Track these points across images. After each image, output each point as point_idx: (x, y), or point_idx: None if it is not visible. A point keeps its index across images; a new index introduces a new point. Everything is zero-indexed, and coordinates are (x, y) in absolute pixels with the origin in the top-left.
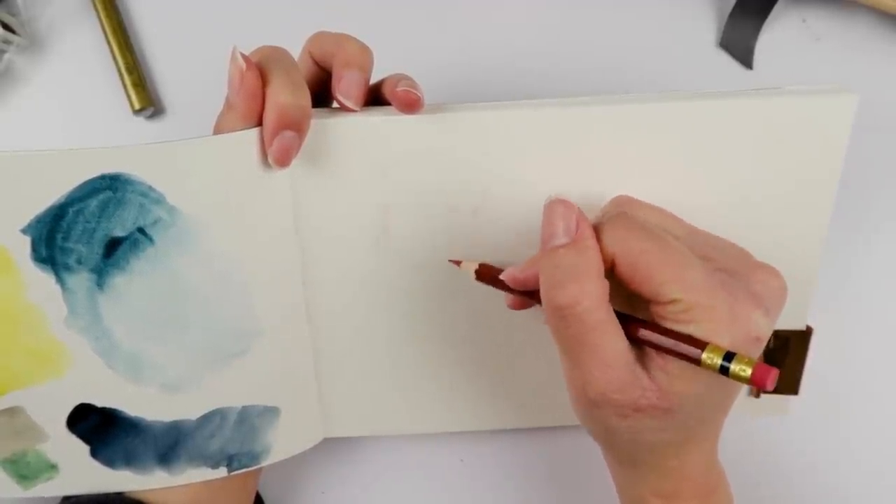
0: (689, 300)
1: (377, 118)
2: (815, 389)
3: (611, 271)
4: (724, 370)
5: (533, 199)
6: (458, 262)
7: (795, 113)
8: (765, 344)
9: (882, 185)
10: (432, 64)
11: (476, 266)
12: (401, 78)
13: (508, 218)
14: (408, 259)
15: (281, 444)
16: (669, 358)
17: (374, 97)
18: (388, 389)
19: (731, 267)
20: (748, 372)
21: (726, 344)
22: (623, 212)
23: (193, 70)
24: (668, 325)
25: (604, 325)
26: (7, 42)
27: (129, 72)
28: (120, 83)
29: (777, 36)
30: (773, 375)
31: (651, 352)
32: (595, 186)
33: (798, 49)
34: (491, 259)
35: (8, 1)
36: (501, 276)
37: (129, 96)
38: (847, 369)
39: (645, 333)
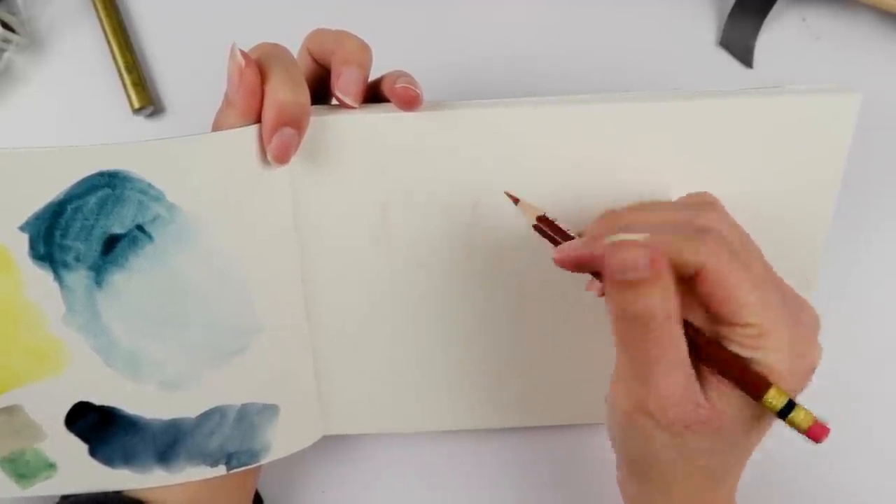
0: (765, 327)
1: (376, 115)
2: (815, 389)
3: (689, 280)
4: (781, 414)
5: (532, 197)
6: (515, 200)
7: (797, 112)
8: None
9: (883, 184)
10: (431, 62)
11: (535, 217)
12: (399, 75)
13: (508, 215)
14: (407, 256)
15: (280, 441)
16: (728, 381)
17: (373, 94)
18: (387, 387)
19: (788, 293)
20: (805, 425)
21: (786, 373)
22: (716, 226)
23: (193, 69)
24: (734, 347)
25: (677, 339)
26: (7, 41)
27: (129, 71)
28: (119, 82)
29: (777, 35)
30: (826, 433)
31: (708, 370)
32: (594, 184)
33: (798, 48)
34: (491, 258)
35: (8, 0)
36: (560, 249)
37: (128, 95)
38: (848, 369)
39: (713, 354)
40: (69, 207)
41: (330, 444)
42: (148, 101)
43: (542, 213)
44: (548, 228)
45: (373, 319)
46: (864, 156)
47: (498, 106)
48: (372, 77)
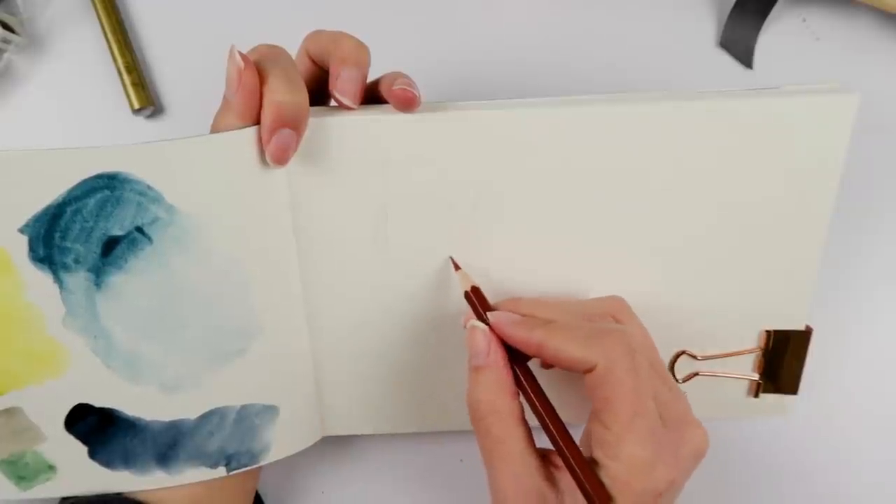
0: (625, 439)
1: (374, 116)
2: (814, 389)
3: (583, 372)
4: None
5: (531, 199)
6: (457, 266)
7: (796, 113)
8: (670, 499)
9: (882, 185)
10: (430, 62)
11: (470, 286)
12: (397, 76)
13: (506, 217)
14: (405, 257)
15: (280, 442)
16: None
17: (372, 95)
18: (387, 388)
19: (673, 416)
20: None
21: (627, 491)
22: (622, 329)
23: (193, 70)
24: (596, 447)
25: (511, 440)
26: (6, 41)
27: (129, 71)
28: (119, 83)
29: (777, 36)
30: None
31: (564, 476)
32: (593, 186)
33: (798, 49)
34: (491, 257)
35: (8, 0)
36: (489, 316)
37: (128, 96)
38: (846, 369)
39: (566, 452)
40: (68, 209)
41: (329, 445)
42: (148, 101)
43: (476, 286)
44: (478, 302)
45: (372, 320)
46: (864, 156)
47: (496, 107)
48: (370, 78)
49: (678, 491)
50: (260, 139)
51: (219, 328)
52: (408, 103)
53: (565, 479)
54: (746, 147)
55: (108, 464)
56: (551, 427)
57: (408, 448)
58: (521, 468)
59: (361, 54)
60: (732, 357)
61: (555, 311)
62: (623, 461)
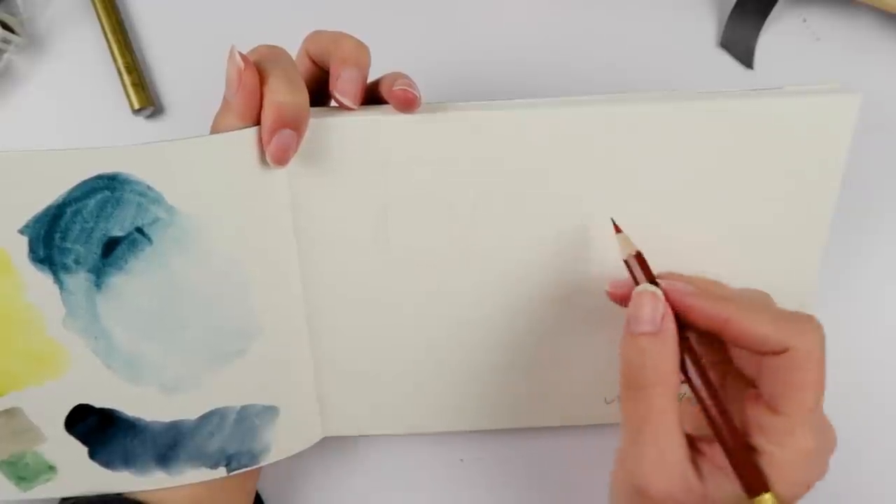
0: (798, 429)
1: (375, 117)
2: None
3: (770, 353)
4: None
5: (531, 199)
6: (618, 228)
7: (797, 113)
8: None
9: (883, 184)
10: (430, 63)
11: (635, 252)
12: (398, 77)
13: (507, 217)
14: (406, 257)
15: (280, 443)
16: (721, 475)
17: (372, 96)
18: (387, 388)
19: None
20: None
21: (788, 479)
22: (815, 317)
23: (193, 70)
24: (759, 434)
25: (670, 414)
26: (6, 42)
27: (129, 71)
28: (119, 83)
29: (777, 36)
30: None
31: (709, 453)
32: (594, 186)
33: (798, 49)
34: (490, 260)
35: (7, 0)
36: (663, 283)
37: (128, 96)
38: (847, 369)
39: (727, 435)
40: (69, 210)
41: (329, 446)
42: (148, 101)
43: (639, 252)
44: (640, 266)
45: (372, 321)
46: (864, 156)
47: (495, 108)
48: (370, 78)
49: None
50: (260, 140)
51: (219, 329)
52: (408, 104)
53: (708, 466)
54: (747, 147)
55: (108, 464)
56: (713, 408)
57: (408, 448)
58: (672, 444)
59: (362, 55)
60: None
61: (724, 289)
62: (791, 450)
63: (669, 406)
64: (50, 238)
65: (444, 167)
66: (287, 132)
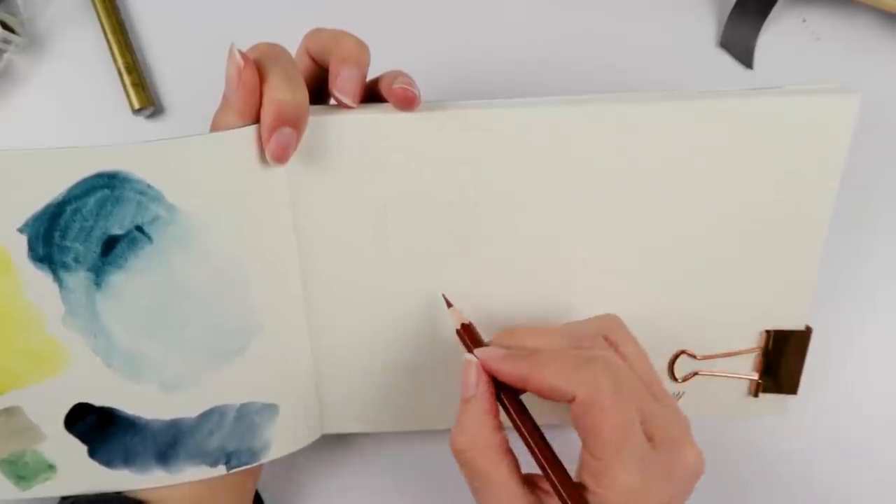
0: (613, 468)
1: (374, 115)
2: (814, 390)
3: (567, 402)
4: None
5: (531, 198)
6: (449, 304)
7: (797, 112)
8: None
9: (883, 185)
10: (430, 61)
11: (461, 324)
12: (397, 75)
13: (506, 215)
14: (405, 256)
15: (280, 440)
16: None
17: (371, 94)
18: (386, 386)
19: (666, 437)
20: None
21: None
22: (604, 356)
23: (193, 70)
24: (586, 475)
25: (495, 472)
26: (7, 42)
27: (129, 71)
28: (119, 83)
29: (777, 36)
30: None
31: (552, 501)
32: (593, 185)
33: (798, 49)
34: (492, 257)
35: (8, 0)
36: (476, 352)
37: (128, 96)
38: (846, 370)
39: (555, 478)
40: (68, 208)
41: (329, 443)
42: (148, 101)
43: (466, 323)
44: (469, 339)
45: (371, 319)
46: (864, 156)
47: (495, 107)
48: (370, 77)
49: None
50: (260, 138)
51: (218, 327)
52: (408, 102)
53: (552, 502)
54: (747, 147)
55: (107, 463)
56: (537, 453)
57: (407, 448)
58: (506, 496)
59: (361, 53)
60: (732, 357)
61: (546, 339)
62: (614, 489)
63: (493, 465)
64: (49, 236)
65: (443, 165)
66: (287, 130)
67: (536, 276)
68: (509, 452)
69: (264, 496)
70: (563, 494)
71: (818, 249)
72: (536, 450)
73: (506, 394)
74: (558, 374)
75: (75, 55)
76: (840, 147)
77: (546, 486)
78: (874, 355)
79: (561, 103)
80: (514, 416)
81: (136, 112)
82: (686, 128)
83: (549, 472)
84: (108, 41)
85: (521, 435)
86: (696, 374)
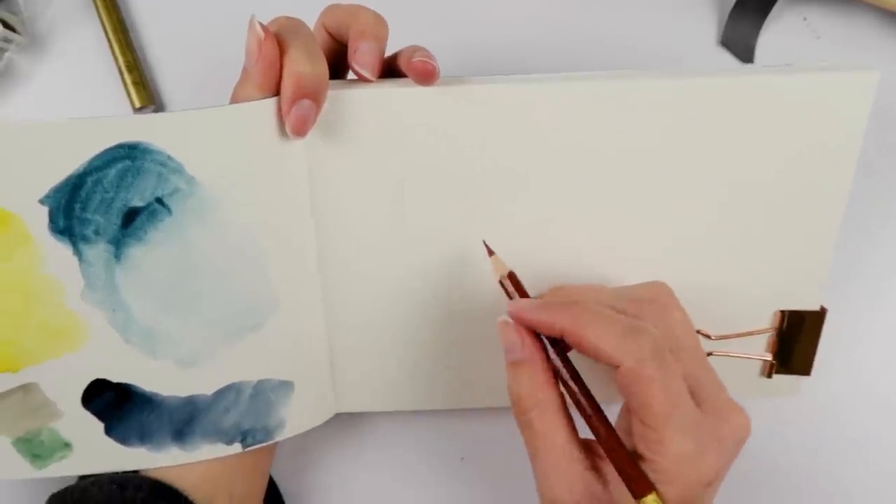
0: (665, 436)
1: (393, 89)
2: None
3: (615, 368)
4: None
5: (547, 174)
6: (490, 252)
7: (814, 89)
8: (717, 486)
9: (882, 185)
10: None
11: (505, 272)
12: (416, 49)
13: (523, 192)
14: (422, 233)
15: (295, 418)
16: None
17: (389, 70)
18: (401, 364)
19: (714, 402)
20: None
21: (676, 483)
22: (650, 328)
23: (194, 68)
24: (640, 443)
25: (555, 433)
26: (8, 41)
27: (130, 70)
28: (120, 82)
29: (778, 34)
30: None
31: (610, 467)
32: (610, 163)
33: (799, 47)
34: (508, 233)
35: (8, 0)
36: (509, 305)
37: (129, 95)
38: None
39: (607, 444)
40: (89, 180)
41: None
42: (149, 100)
43: (511, 271)
44: (512, 286)
45: (387, 296)
46: (864, 156)
47: (513, 82)
48: (387, 53)
49: (723, 478)
50: (279, 110)
51: (235, 302)
52: (427, 76)
53: (611, 469)
54: (761, 124)
55: (123, 441)
56: (593, 419)
57: (408, 447)
58: (565, 460)
59: (380, 27)
60: (746, 337)
61: (588, 295)
62: (669, 456)
63: (552, 426)
64: (70, 208)
65: (462, 140)
66: (306, 103)
67: (549, 254)
68: (567, 412)
69: (276, 473)
70: (617, 458)
71: (834, 229)
72: (592, 413)
73: (555, 350)
74: (604, 339)
75: (76, 54)
76: (858, 125)
77: (602, 452)
78: (889, 337)
79: (578, 79)
80: (566, 377)
81: (137, 111)
82: (700, 105)
83: (603, 435)
84: (108, 40)
85: (573, 397)
86: (710, 354)
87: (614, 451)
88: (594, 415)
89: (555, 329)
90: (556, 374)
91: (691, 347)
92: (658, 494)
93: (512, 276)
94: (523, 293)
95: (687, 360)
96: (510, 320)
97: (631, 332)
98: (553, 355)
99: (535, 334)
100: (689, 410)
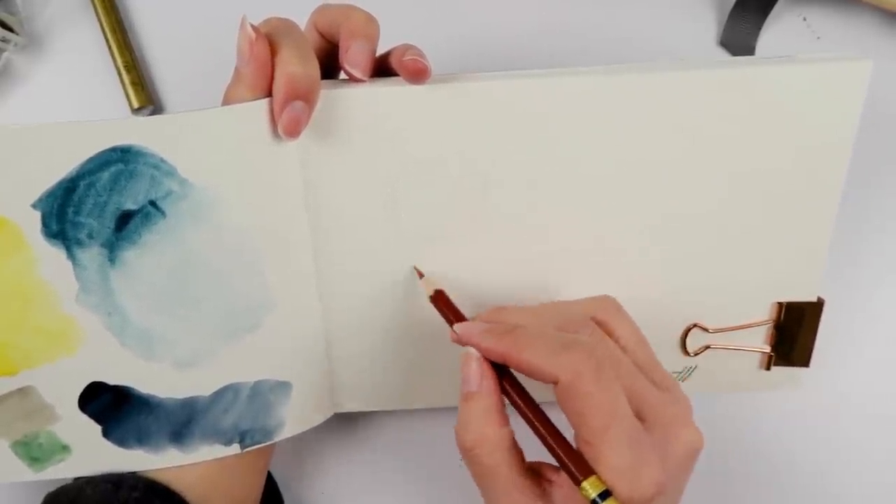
0: (602, 452)
1: (385, 88)
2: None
3: (554, 385)
4: None
5: (543, 170)
6: (420, 274)
7: (808, 80)
8: (667, 500)
9: (881, 185)
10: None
11: (433, 291)
12: (408, 48)
13: (519, 188)
14: (417, 231)
15: (293, 419)
16: (573, 495)
17: (381, 69)
18: (398, 364)
19: (659, 418)
20: None
21: (629, 497)
22: (590, 342)
23: (192, 69)
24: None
25: (499, 469)
26: (6, 41)
27: (128, 70)
28: (118, 82)
29: (778, 35)
30: None
31: (558, 480)
32: (606, 157)
33: (799, 48)
34: (500, 232)
35: (7, 0)
36: (456, 328)
37: (127, 95)
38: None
39: (553, 474)
40: (82, 183)
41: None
42: (147, 100)
43: (440, 290)
44: (443, 306)
45: (383, 296)
46: (863, 156)
47: (506, 78)
48: (379, 52)
49: (676, 493)
50: (272, 111)
51: (231, 303)
52: (418, 74)
53: (559, 493)
54: (758, 116)
55: (121, 443)
56: (554, 447)
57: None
58: (517, 493)
59: (371, 27)
60: (744, 330)
61: (532, 317)
62: (604, 471)
63: (499, 461)
64: (63, 212)
65: (455, 138)
66: (299, 104)
67: (549, 251)
68: (515, 445)
69: (276, 473)
70: (550, 445)
71: (830, 219)
72: (552, 443)
73: (509, 383)
74: (539, 356)
75: (74, 54)
76: (852, 115)
77: (550, 475)
78: (887, 328)
79: (573, 73)
80: (523, 408)
81: (136, 111)
82: (695, 97)
83: (571, 469)
84: (107, 40)
85: (532, 426)
86: (708, 347)
87: (549, 439)
88: (551, 437)
89: (497, 353)
90: (512, 402)
91: (640, 361)
92: (598, 477)
93: (440, 295)
94: (456, 312)
95: (628, 376)
96: (475, 353)
97: (567, 346)
98: (507, 385)
99: (493, 367)
100: (627, 425)
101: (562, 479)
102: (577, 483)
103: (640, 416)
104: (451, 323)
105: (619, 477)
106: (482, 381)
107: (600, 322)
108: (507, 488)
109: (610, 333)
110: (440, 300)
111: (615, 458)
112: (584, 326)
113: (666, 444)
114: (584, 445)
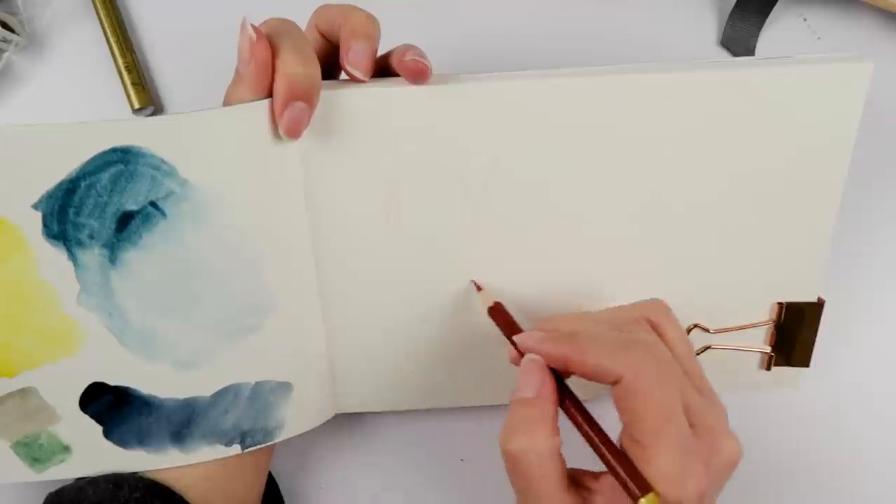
0: (653, 452)
1: (386, 89)
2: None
3: (610, 384)
4: None
5: (543, 171)
6: (478, 287)
7: (809, 81)
8: None
9: (881, 186)
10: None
11: (492, 303)
12: (408, 48)
13: (519, 190)
14: (418, 232)
15: (294, 419)
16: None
17: (382, 70)
18: (399, 365)
19: (705, 426)
20: None
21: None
22: (646, 340)
23: (193, 69)
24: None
25: (545, 479)
26: (6, 41)
27: (129, 71)
28: (119, 83)
29: (778, 35)
30: None
31: (597, 487)
32: (605, 157)
33: (799, 48)
34: (504, 231)
35: (7, 0)
36: (516, 339)
37: (128, 96)
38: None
39: (606, 449)
40: (82, 184)
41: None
42: (148, 101)
43: (499, 302)
44: (500, 318)
45: (384, 297)
46: (863, 156)
47: (507, 79)
48: (380, 52)
49: (712, 500)
50: (272, 112)
51: (232, 304)
52: (419, 74)
53: (600, 499)
54: (759, 116)
55: (122, 443)
56: (583, 425)
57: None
58: (553, 500)
59: (372, 27)
60: (745, 330)
61: (586, 323)
62: (652, 475)
63: (545, 472)
64: (64, 213)
65: (456, 139)
66: (299, 105)
67: (549, 253)
68: (559, 455)
69: (276, 473)
70: (606, 458)
71: (830, 220)
72: (609, 457)
73: (569, 398)
74: (602, 355)
75: (75, 55)
76: (853, 116)
77: (588, 482)
78: (885, 329)
79: (571, 75)
80: (581, 422)
81: (136, 112)
82: (696, 98)
83: (630, 485)
84: (108, 41)
85: (587, 437)
86: (708, 347)
87: (607, 453)
88: (586, 421)
89: (557, 358)
90: (570, 416)
91: (686, 367)
92: (657, 494)
93: (498, 307)
94: (513, 324)
95: (680, 380)
96: (538, 359)
97: (628, 345)
98: (567, 401)
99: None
100: (682, 430)
101: (602, 486)
102: (635, 500)
103: (690, 422)
104: (508, 335)
105: (668, 483)
106: (542, 388)
107: (652, 324)
108: (551, 497)
109: (661, 336)
110: (500, 314)
111: (666, 464)
112: (638, 326)
113: (710, 452)
114: (633, 445)
